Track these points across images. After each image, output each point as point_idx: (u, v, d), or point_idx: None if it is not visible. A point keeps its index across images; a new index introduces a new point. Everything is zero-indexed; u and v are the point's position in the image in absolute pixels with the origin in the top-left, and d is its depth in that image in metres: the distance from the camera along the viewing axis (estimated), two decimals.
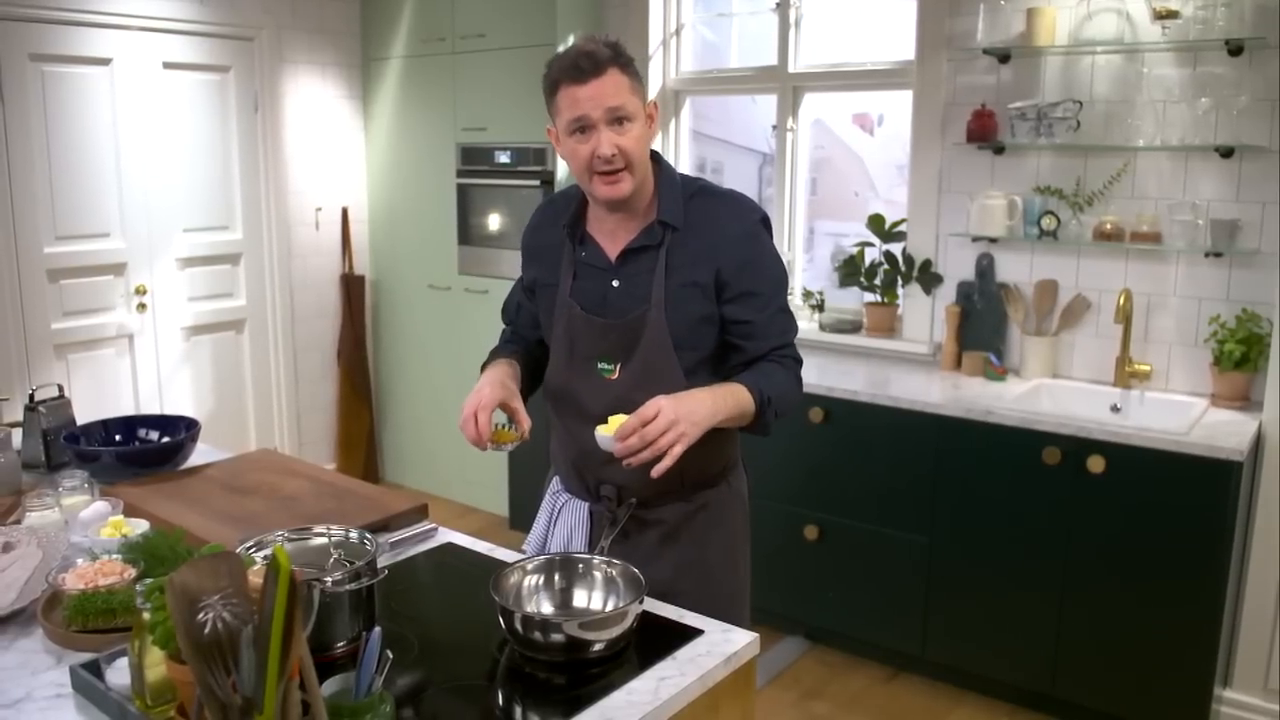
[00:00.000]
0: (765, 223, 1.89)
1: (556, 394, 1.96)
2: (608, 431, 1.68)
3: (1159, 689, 2.92)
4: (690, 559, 1.92)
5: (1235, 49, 3.06)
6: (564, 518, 2.00)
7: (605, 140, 1.74)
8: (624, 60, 1.76)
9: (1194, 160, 3.23)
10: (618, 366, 1.85)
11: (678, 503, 1.91)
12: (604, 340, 1.86)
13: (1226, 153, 3.13)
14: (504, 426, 1.85)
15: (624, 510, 1.90)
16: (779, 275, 1.89)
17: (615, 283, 1.87)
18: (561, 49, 1.80)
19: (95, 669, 1.41)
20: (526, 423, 1.85)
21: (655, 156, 1.89)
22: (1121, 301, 3.25)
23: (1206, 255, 3.22)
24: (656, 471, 1.64)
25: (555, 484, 2.07)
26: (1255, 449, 2.93)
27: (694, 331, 1.83)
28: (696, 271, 1.82)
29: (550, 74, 1.77)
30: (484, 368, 1.98)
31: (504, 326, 2.17)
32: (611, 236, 1.88)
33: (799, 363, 1.92)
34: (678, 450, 1.64)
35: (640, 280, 1.84)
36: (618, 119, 1.74)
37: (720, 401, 1.74)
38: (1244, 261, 3.19)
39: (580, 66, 1.72)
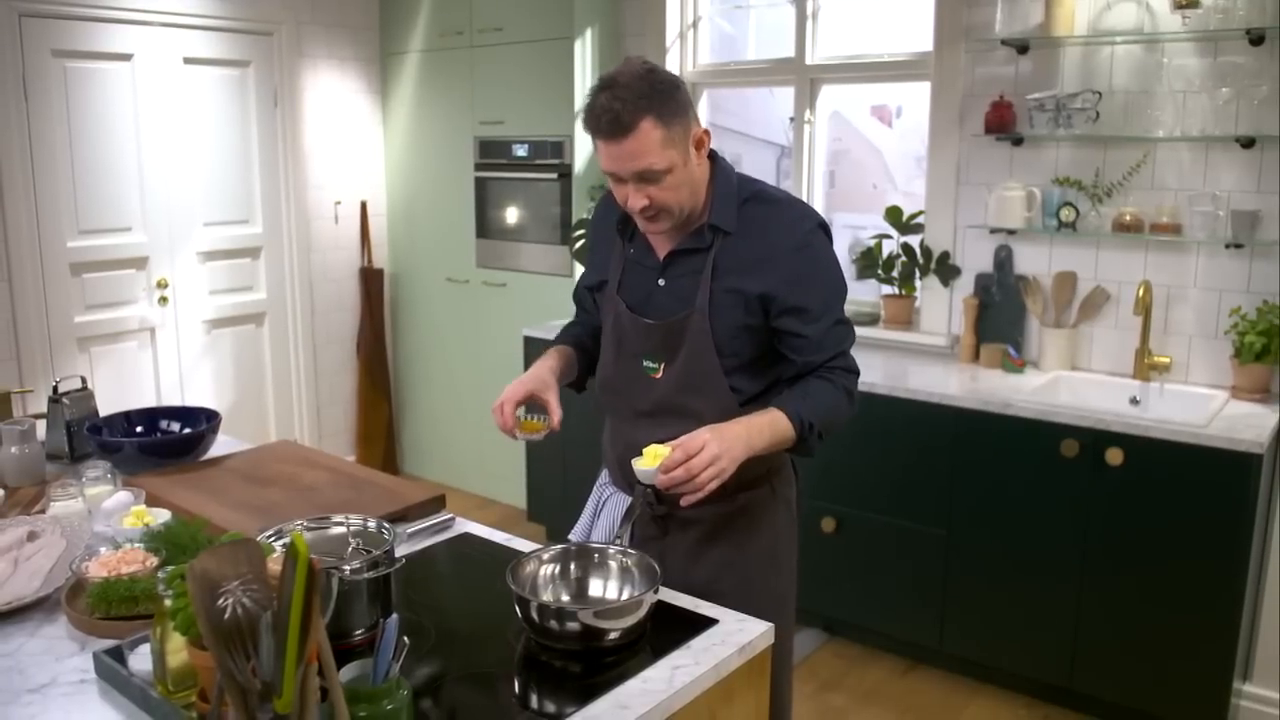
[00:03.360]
0: (824, 229, 1.84)
1: (605, 388, 1.97)
2: (645, 465, 1.65)
3: (1178, 682, 2.91)
4: (730, 559, 1.91)
5: (1256, 38, 3.03)
6: (608, 510, 2.00)
7: (634, 196, 1.72)
8: (658, 106, 1.67)
9: (1214, 151, 3.21)
10: (662, 365, 1.85)
11: (718, 503, 1.88)
12: (649, 339, 1.85)
13: (1247, 143, 3.10)
14: (535, 417, 1.86)
15: (639, 502, 1.90)
16: (834, 285, 1.84)
17: (661, 282, 1.86)
18: (593, 91, 1.70)
19: (118, 655, 1.43)
20: (556, 415, 1.84)
21: (713, 156, 1.86)
22: (1141, 293, 3.23)
23: (1227, 246, 3.20)
24: (687, 502, 1.64)
25: (603, 476, 2.07)
26: (1276, 442, 2.91)
27: (735, 338, 1.81)
28: (743, 280, 1.79)
29: (584, 120, 1.73)
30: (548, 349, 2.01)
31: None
32: (662, 235, 1.87)
33: (852, 373, 1.85)
34: (713, 486, 1.62)
35: (686, 282, 1.83)
36: (648, 177, 1.71)
37: (756, 437, 1.70)
38: (1265, 253, 3.17)
39: (603, 130, 1.68)
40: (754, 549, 1.93)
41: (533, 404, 1.87)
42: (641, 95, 1.66)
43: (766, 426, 1.72)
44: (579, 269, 4.27)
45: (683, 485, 1.62)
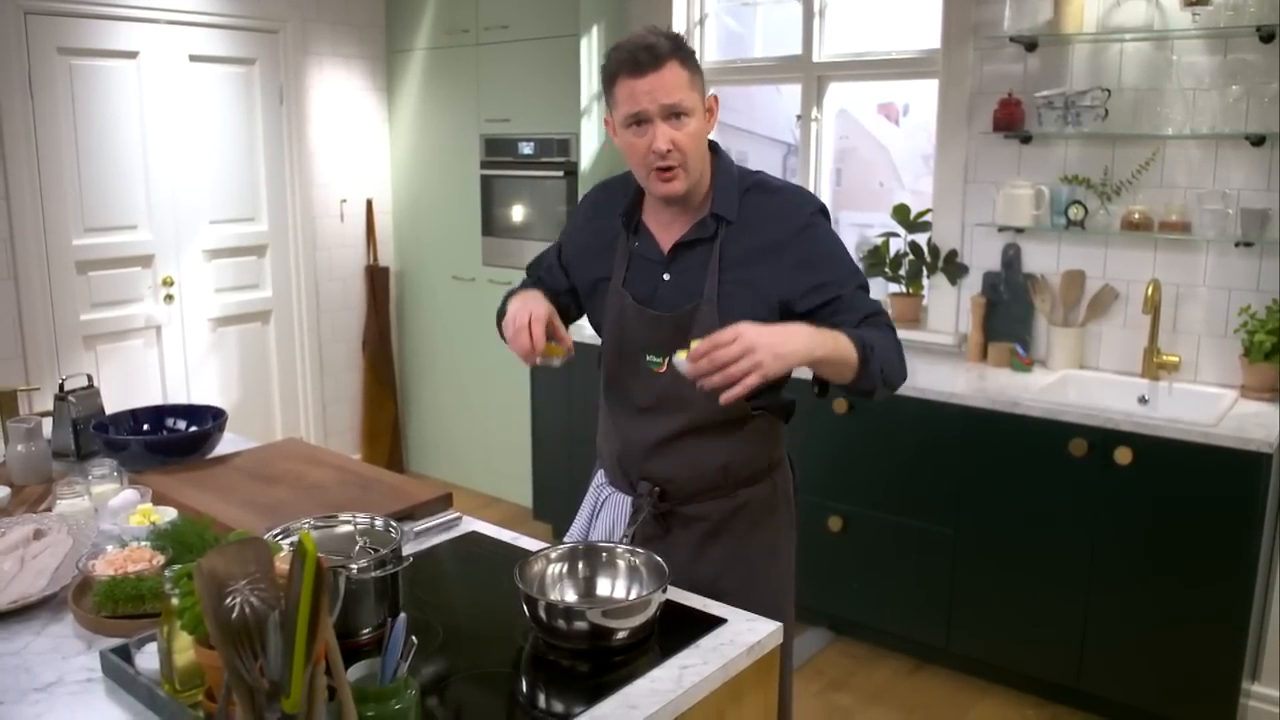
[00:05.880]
0: (823, 212, 1.85)
1: (604, 385, 1.95)
2: (684, 355, 1.58)
3: (1186, 682, 2.90)
4: (733, 556, 1.90)
5: (1267, 36, 3.02)
6: (606, 511, 1.99)
7: (661, 135, 1.71)
8: (685, 53, 1.73)
9: (1224, 149, 3.19)
10: (666, 360, 1.82)
11: (720, 500, 1.89)
12: (654, 333, 1.84)
13: (1257, 141, 3.09)
14: (550, 342, 1.78)
15: (648, 500, 1.89)
16: (845, 259, 1.83)
17: (666, 276, 1.85)
18: (621, 39, 1.76)
19: (125, 654, 1.42)
20: (569, 339, 1.80)
21: (714, 147, 1.86)
22: (1150, 292, 3.21)
23: (1236, 245, 3.18)
24: (725, 399, 1.54)
25: (599, 477, 2.06)
26: None
27: None
28: (750, 270, 1.79)
29: (609, 65, 1.74)
30: (508, 297, 1.93)
31: (525, 278, 2.11)
32: (666, 228, 1.86)
33: (894, 330, 1.80)
34: (751, 380, 1.51)
35: (692, 274, 1.82)
36: (675, 114, 1.71)
37: (820, 338, 1.62)
38: (1275, 251, 3.15)
39: (639, 60, 1.69)
40: (756, 546, 1.93)
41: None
42: (672, 40, 1.73)
43: (829, 337, 1.64)
44: None
45: (711, 377, 1.54)
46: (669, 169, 1.74)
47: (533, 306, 1.77)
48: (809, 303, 1.77)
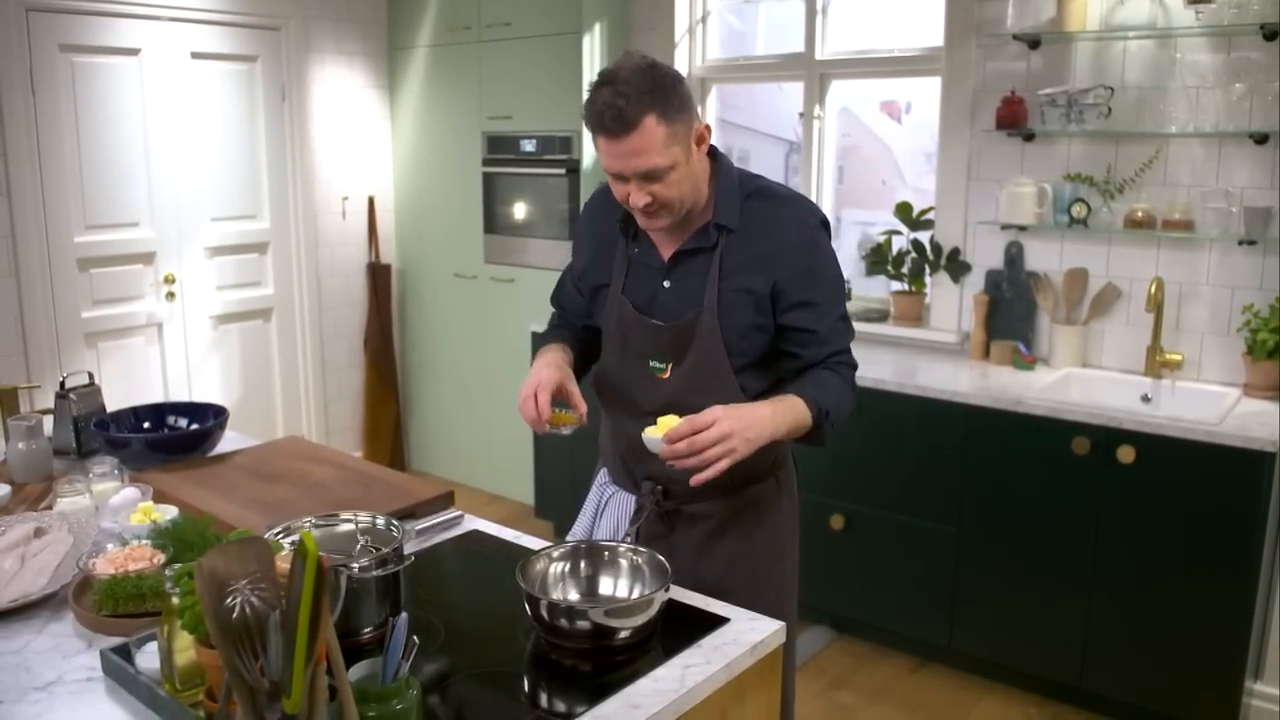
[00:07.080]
0: (825, 226, 1.84)
1: (608, 388, 1.94)
2: (655, 433, 1.64)
3: (1188, 681, 2.89)
4: (737, 554, 1.90)
5: (1270, 34, 3.01)
6: (610, 509, 1.98)
7: (636, 193, 1.69)
8: (661, 102, 1.63)
9: (1227, 147, 3.18)
10: (669, 366, 1.83)
11: (725, 498, 1.89)
12: (656, 340, 1.83)
13: (1261, 139, 3.08)
14: (562, 409, 1.81)
15: (651, 499, 1.89)
16: (837, 282, 1.84)
17: (666, 284, 1.84)
18: (604, 74, 1.67)
19: (125, 653, 1.42)
20: (582, 406, 1.80)
21: (714, 153, 1.84)
22: (1153, 290, 3.21)
23: (1240, 243, 3.17)
24: (696, 480, 1.61)
25: (603, 476, 2.05)
26: None
27: (745, 338, 1.79)
28: (751, 278, 1.78)
29: (587, 110, 1.68)
30: (536, 351, 1.96)
31: (552, 311, 2.14)
32: (665, 236, 1.84)
33: (854, 368, 1.86)
34: (723, 465, 1.59)
35: (692, 282, 1.81)
36: (651, 177, 1.67)
37: (780, 418, 1.69)
38: (1278, 249, 3.13)
39: (606, 126, 1.64)
40: (761, 543, 1.93)
41: (555, 396, 1.81)
42: (645, 91, 1.62)
43: (788, 411, 1.71)
44: None
45: (686, 460, 1.60)
46: (652, 212, 1.73)
47: (544, 374, 1.79)
48: (790, 319, 1.79)
